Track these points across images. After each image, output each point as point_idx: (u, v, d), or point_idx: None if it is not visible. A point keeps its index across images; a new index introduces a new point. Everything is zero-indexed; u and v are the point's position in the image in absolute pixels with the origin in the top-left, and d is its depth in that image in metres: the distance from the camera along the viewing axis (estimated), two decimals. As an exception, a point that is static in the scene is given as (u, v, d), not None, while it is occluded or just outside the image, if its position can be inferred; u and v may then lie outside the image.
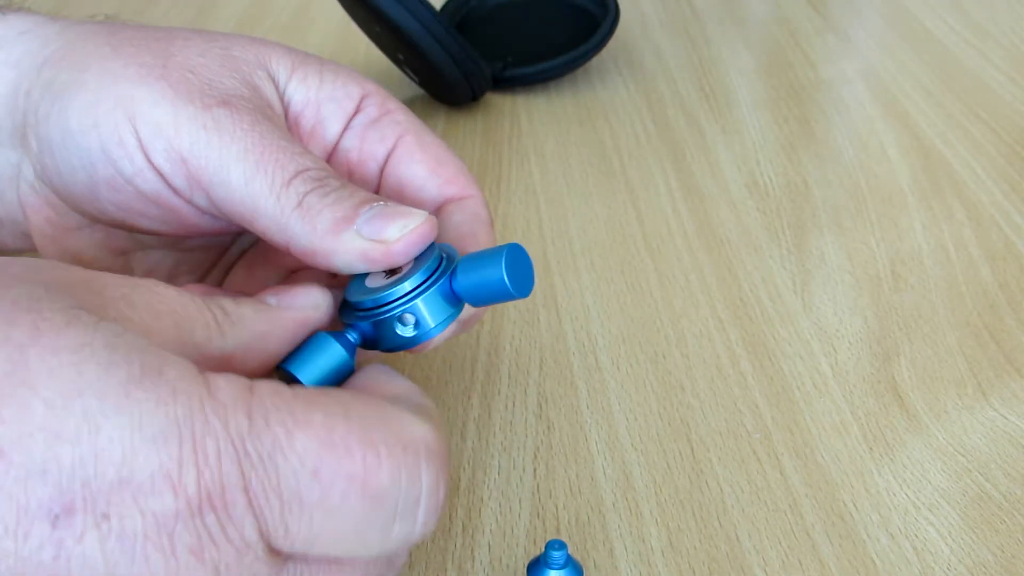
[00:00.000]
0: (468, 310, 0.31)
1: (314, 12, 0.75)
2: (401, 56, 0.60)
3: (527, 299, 0.45)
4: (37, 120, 0.33)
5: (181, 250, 0.37)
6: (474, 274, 0.29)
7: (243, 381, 0.24)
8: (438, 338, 0.30)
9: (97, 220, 0.34)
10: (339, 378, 0.29)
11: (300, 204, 0.30)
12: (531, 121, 0.60)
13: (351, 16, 0.61)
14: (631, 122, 0.61)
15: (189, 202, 0.32)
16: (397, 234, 0.29)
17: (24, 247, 0.37)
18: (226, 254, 0.38)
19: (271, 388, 0.24)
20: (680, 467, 0.36)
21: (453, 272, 0.29)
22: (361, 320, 0.30)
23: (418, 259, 0.30)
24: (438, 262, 0.29)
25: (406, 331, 0.29)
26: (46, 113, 0.32)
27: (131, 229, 0.34)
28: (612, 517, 0.34)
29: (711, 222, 0.51)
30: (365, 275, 0.30)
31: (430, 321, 0.29)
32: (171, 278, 0.36)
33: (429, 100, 0.62)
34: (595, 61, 0.66)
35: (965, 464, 0.37)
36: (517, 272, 0.29)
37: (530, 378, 0.41)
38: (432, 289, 0.29)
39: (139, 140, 0.31)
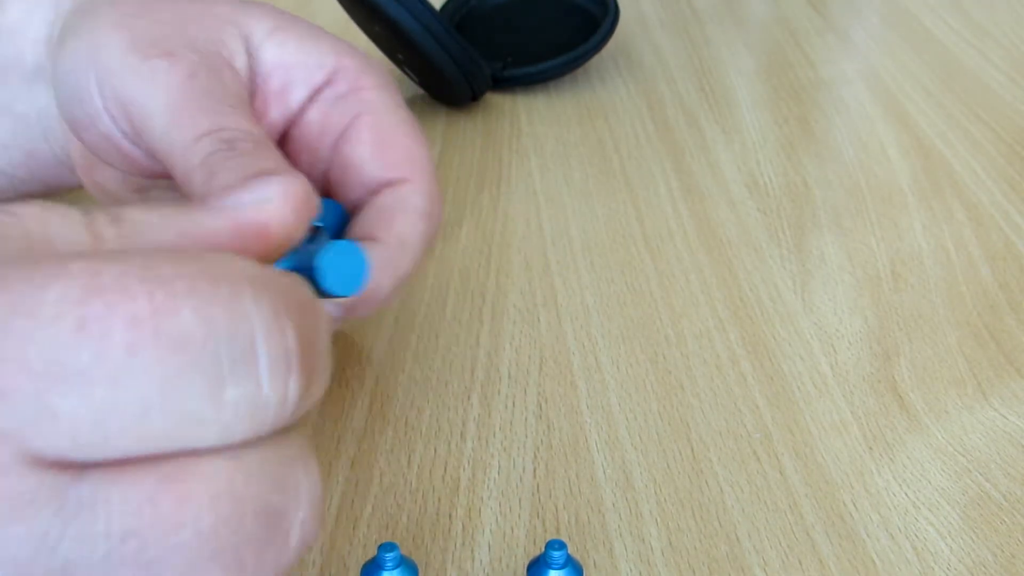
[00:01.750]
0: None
1: (314, 10, 0.75)
2: (401, 56, 0.60)
3: (527, 299, 0.45)
4: (52, 62, 0.35)
5: None
6: (305, 264, 0.29)
7: None
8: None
9: (113, 164, 0.36)
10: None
11: (202, 163, 0.29)
12: (531, 121, 0.60)
13: (351, 16, 0.61)
14: (631, 122, 0.61)
15: (136, 146, 0.33)
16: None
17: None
18: None
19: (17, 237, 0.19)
20: (680, 467, 0.36)
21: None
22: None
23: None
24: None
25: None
26: (54, 55, 0.35)
27: (116, 168, 0.35)
28: (612, 517, 0.34)
29: (711, 222, 0.51)
30: None
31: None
32: None
33: (429, 100, 0.62)
34: (595, 61, 0.66)
35: (965, 464, 0.37)
36: (338, 270, 0.28)
37: (530, 378, 0.41)
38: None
39: (97, 85, 0.32)
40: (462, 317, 0.44)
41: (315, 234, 0.30)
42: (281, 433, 0.20)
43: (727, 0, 0.79)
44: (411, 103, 0.62)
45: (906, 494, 0.35)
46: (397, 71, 0.63)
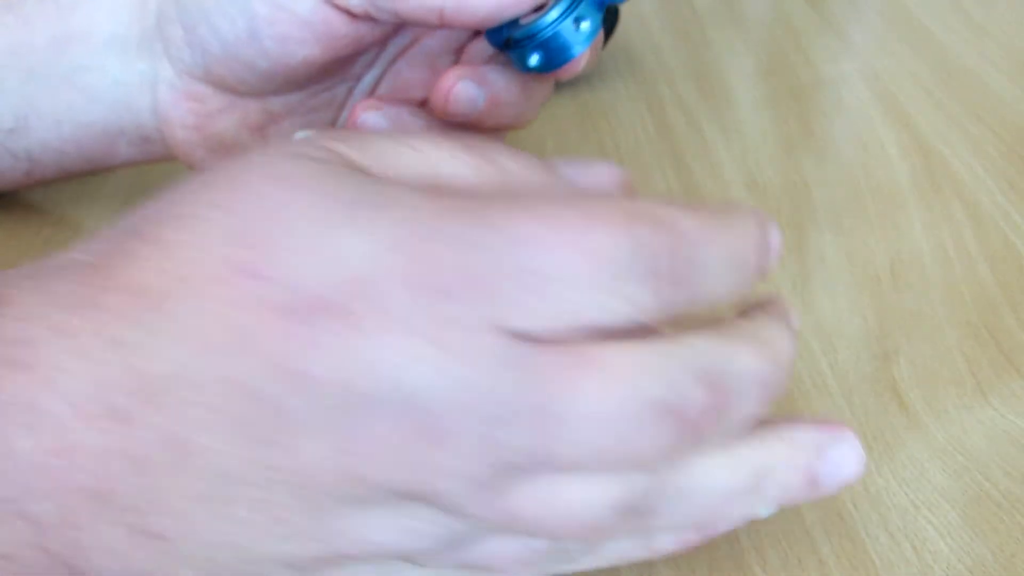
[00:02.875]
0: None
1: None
2: (401, 56, 0.60)
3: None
4: (180, 5, 0.37)
5: (309, 109, 0.41)
6: None
7: (465, 197, 0.24)
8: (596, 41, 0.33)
9: (243, 89, 0.38)
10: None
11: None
12: (531, 121, 0.60)
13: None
14: (631, 122, 0.61)
15: (346, 9, 0.35)
16: None
17: (136, 156, 0.43)
18: (350, 95, 0.42)
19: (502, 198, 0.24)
20: (680, 467, 0.36)
21: None
22: (533, 48, 0.32)
23: None
24: None
25: (584, 29, 0.32)
26: None
27: (282, 74, 0.38)
28: (612, 517, 0.34)
29: (711, 222, 0.51)
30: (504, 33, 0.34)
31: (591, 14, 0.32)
32: None
33: (429, 100, 0.62)
34: (595, 61, 0.66)
35: (965, 463, 0.37)
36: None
37: (530, 378, 0.40)
38: None
39: None
40: (462, 317, 0.44)
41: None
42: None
43: (727, 0, 0.79)
44: (411, 103, 0.62)
45: (906, 493, 0.35)
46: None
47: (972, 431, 0.38)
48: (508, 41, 0.34)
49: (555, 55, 0.33)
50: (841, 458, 0.28)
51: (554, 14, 0.32)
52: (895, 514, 0.35)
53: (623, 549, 0.28)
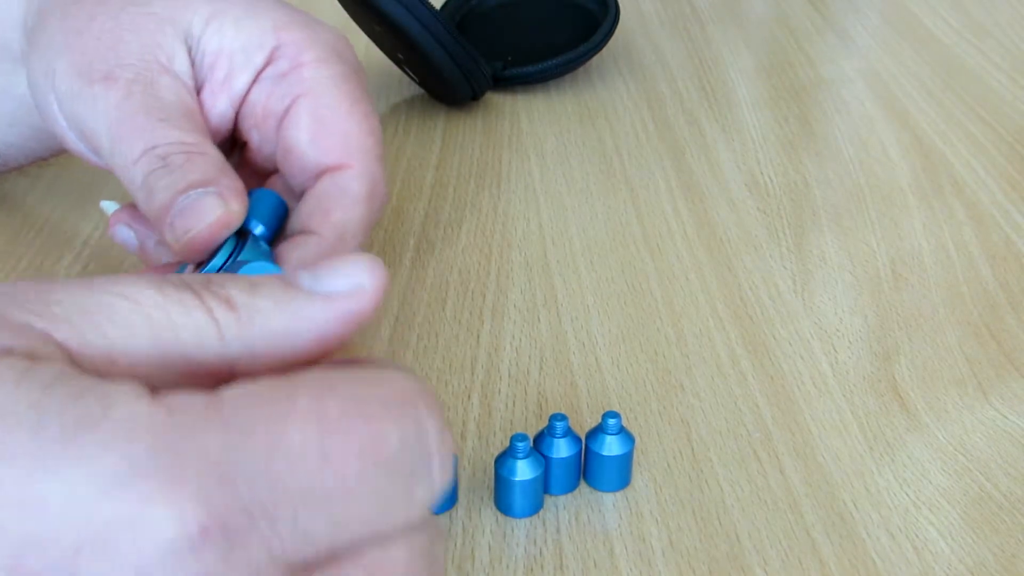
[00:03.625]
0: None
1: (314, 11, 0.75)
2: (401, 56, 0.60)
3: (527, 299, 0.45)
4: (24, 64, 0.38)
5: None
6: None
7: (202, 395, 0.20)
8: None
9: None
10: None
11: (142, 184, 0.32)
12: (531, 121, 0.60)
13: (351, 16, 0.61)
14: (631, 122, 0.60)
15: (101, 158, 0.36)
16: (189, 233, 0.32)
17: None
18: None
19: (239, 391, 0.20)
20: (680, 467, 0.36)
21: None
22: None
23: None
24: (232, 246, 0.33)
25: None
26: (26, 56, 0.37)
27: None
28: (612, 517, 0.34)
29: (711, 222, 0.51)
30: None
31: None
32: None
33: (429, 100, 0.62)
34: (595, 61, 0.66)
35: (965, 463, 0.37)
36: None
37: (530, 378, 0.41)
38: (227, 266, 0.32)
39: (57, 105, 0.35)
40: (462, 317, 0.44)
41: (245, 240, 0.32)
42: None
43: (727, 0, 0.79)
44: (411, 103, 0.62)
45: (906, 494, 0.35)
46: (397, 71, 0.63)
47: (973, 431, 0.38)
48: None
49: None
50: None
51: (216, 263, 0.32)
52: (896, 514, 0.35)
53: None
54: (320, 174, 0.36)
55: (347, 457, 0.20)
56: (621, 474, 0.35)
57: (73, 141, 0.37)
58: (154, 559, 0.18)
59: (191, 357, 0.22)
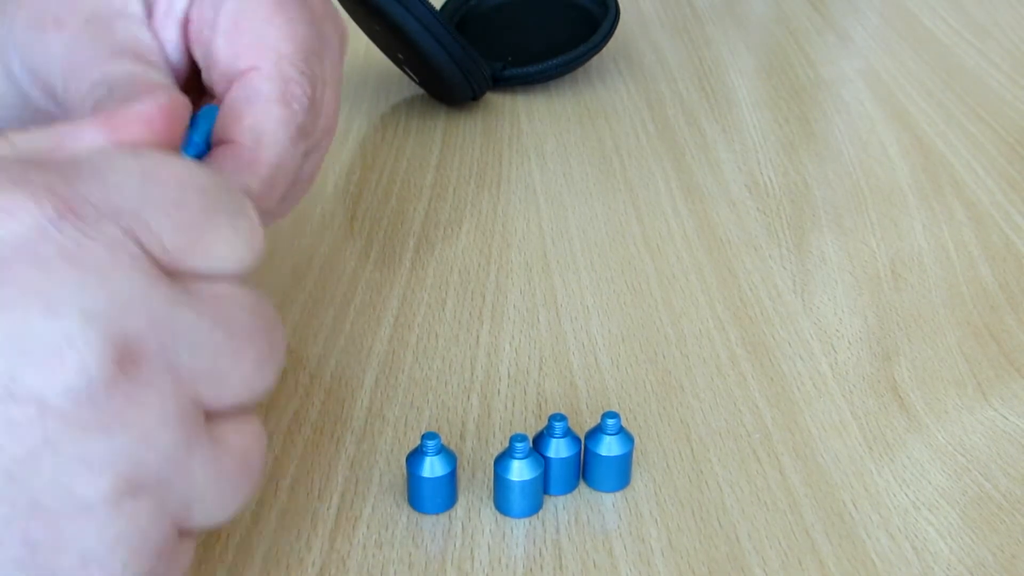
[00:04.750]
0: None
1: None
2: (401, 56, 0.60)
3: (527, 299, 0.45)
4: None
5: None
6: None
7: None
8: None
9: None
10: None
11: (93, 111, 0.32)
12: (531, 121, 0.60)
13: (351, 16, 0.61)
14: (631, 122, 0.61)
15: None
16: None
17: None
18: None
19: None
20: (680, 467, 0.36)
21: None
22: None
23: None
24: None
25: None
26: None
27: None
28: (612, 517, 0.34)
29: (711, 222, 0.51)
30: None
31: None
32: None
33: (429, 100, 0.62)
34: (595, 61, 0.66)
35: (965, 464, 0.37)
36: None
37: (530, 378, 0.41)
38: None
39: (19, 63, 0.36)
40: (462, 317, 0.44)
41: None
42: None
43: (727, 0, 0.79)
44: (411, 103, 0.62)
45: (906, 494, 0.35)
46: (397, 71, 0.63)
47: (973, 432, 0.38)
48: None
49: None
50: None
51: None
52: (895, 515, 0.35)
53: None
54: (233, 79, 0.35)
55: (164, 176, 0.25)
56: (620, 474, 0.35)
57: (37, 96, 0.36)
58: (25, 236, 0.23)
59: None
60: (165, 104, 0.29)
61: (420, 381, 0.40)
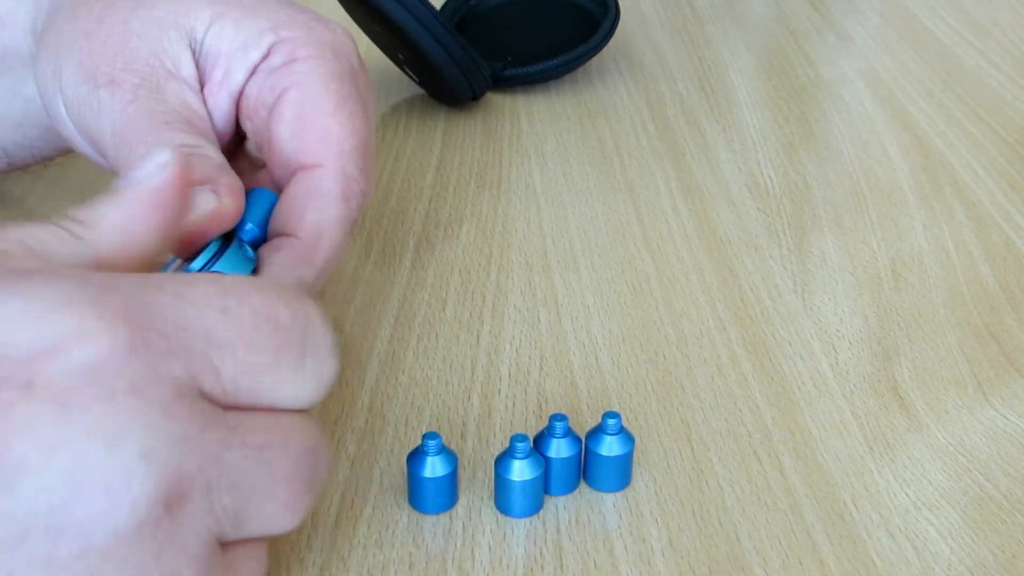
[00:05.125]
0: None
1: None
2: (401, 56, 0.60)
3: (527, 299, 0.45)
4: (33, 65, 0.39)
5: None
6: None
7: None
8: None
9: None
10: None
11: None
12: (531, 121, 0.60)
13: (351, 16, 0.61)
14: (631, 122, 0.61)
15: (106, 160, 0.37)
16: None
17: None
18: None
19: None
20: (680, 467, 0.36)
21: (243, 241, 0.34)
22: None
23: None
24: (217, 246, 0.33)
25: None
26: (35, 57, 0.38)
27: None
28: (612, 517, 0.34)
29: (711, 222, 0.51)
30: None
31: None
32: None
33: (429, 100, 0.62)
34: (595, 61, 0.66)
35: (965, 464, 0.37)
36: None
37: (530, 378, 0.41)
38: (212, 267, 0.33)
39: (65, 108, 0.36)
40: (462, 317, 0.44)
41: (231, 242, 0.33)
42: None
43: (727, 0, 0.79)
44: (411, 103, 0.62)
45: (906, 494, 0.35)
46: (397, 71, 0.63)
47: (973, 432, 0.38)
48: None
49: None
50: None
51: (196, 264, 0.33)
52: (896, 515, 0.35)
53: None
54: (296, 171, 0.36)
55: (242, 313, 0.25)
56: (621, 474, 0.35)
57: (80, 142, 0.37)
58: (96, 364, 0.23)
59: (65, 260, 0.27)
60: (229, 207, 0.32)
61: (420, 381, 0.40)
